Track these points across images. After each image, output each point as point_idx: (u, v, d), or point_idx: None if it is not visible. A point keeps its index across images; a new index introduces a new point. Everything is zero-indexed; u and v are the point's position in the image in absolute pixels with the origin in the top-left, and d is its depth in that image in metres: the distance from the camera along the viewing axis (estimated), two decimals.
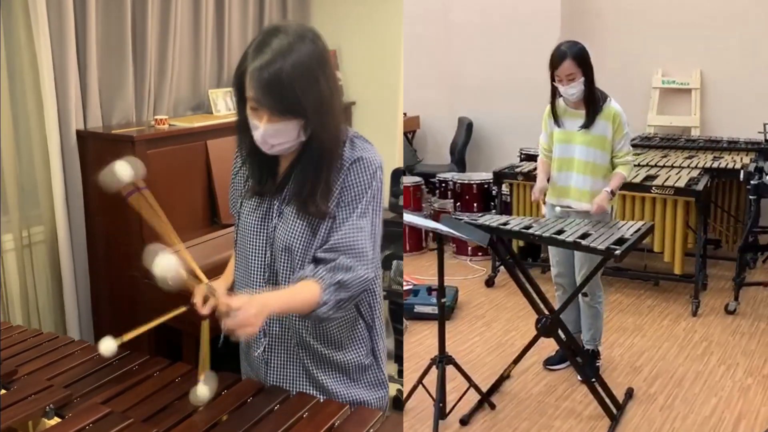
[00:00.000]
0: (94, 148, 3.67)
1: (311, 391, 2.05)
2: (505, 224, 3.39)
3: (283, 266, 2.00)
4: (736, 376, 3.75)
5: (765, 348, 4.07)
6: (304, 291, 1.88)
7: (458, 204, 5.76)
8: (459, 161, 6.63)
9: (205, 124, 3.94)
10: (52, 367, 2.21)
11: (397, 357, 3.82)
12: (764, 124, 5.55)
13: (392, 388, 3.55)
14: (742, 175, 4.78)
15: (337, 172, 1.95)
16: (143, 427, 1.80)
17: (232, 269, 2.22)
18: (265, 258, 2.03)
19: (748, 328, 4.36)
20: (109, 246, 3.73)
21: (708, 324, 4.43)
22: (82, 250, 3.76)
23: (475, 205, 5.67)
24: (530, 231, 3.30)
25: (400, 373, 3.71)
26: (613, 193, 3.53)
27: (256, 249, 2.05)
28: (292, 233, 1.97)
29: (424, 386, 3.30)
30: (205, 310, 2.02)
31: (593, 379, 3.57)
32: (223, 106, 4.29)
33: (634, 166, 5.03)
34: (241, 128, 2.00)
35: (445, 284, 4.81)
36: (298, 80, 1.83)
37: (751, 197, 4.55)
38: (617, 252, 3.02)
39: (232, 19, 4.66)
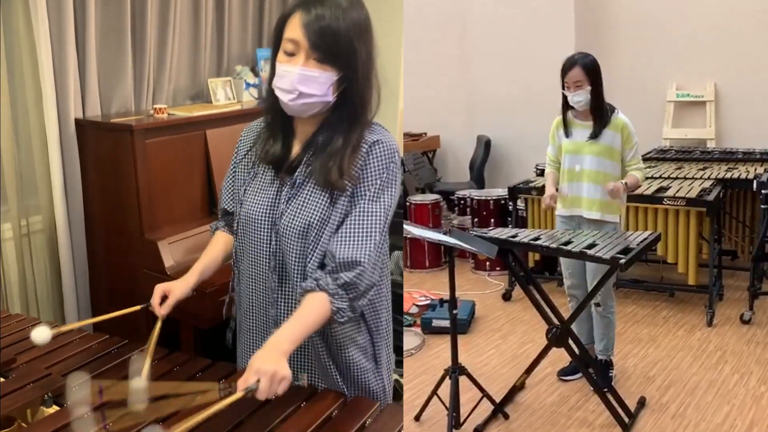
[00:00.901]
0: (93, 137, 3.71)
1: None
2: (514, 236, 3.47)
3: (294, 252, 1.95)
4: (750, 385, 3.78)
5: None
6: (313, 309, 1.85)
7: (476, 220, 5.84)
8: (478, 178, 6.72)
9: (204, 114, 3.96)
10: (50, 356, 2.22)
11: (397, 348, 3.86)
12: None
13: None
14: (755, 185, 4.82)
15: (359, 148, 1.92)
16: (142, 415, 1.78)
17: (198, 270, 2.17)
18: (270, 245, 1.99)
19: (764, 337, 4.38)
20: (108, 234, 3.76)
21: (723, 334, 4.46)
22: (80, 238, 3.79)
23: (492, 220, 5.75)
24: (538, 242, 3.38)
25: (399, 363, 3.74)
26: (627, 186, 3.60)
27: (261, 236, 2.01)
28: (304, 216, 1.92)
29: (438, 397, 3.37)
30: (163, 311, 2.06)
31: (606, 389, 3.64)
32: (222, 95, 4.30)
33: (648, 178, 5.10)
34: (270, 91, 1.95)
35: (463, 299, 4.93)
36: (353, 32, 1.84)
37: (763, 207, 4.59)
38: (622, 261, 3.08)
39: (232, 8, 4.67)
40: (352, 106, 1.92)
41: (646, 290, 5.20)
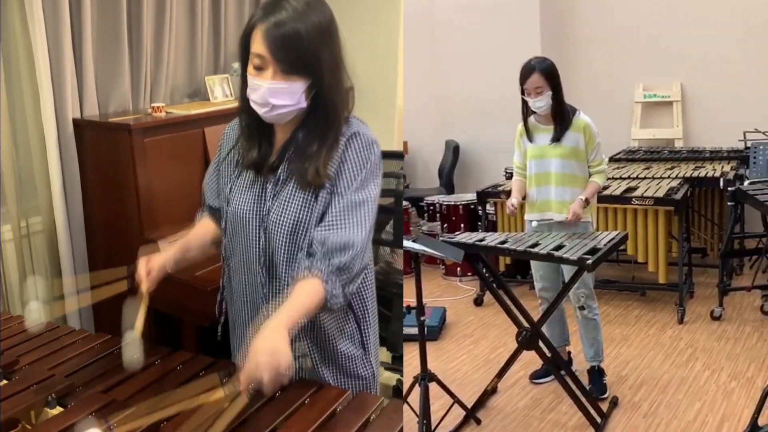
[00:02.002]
0: (91, 137, 3.68)
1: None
2: (481, 241, 3.46)
3: (282, 248, 1.99)
4: (720, 381, 3.79)
5: (749, 351, 4.11)
6: (306, 294, 1.86)
7: (445, 225, 5.83)
8: (447, 184, 6.72)
9: (202, 111, 3.94)
10: (53, 357, 2.23)
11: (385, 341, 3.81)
12: (744, 133, 5.63)
13: (392, 378, 3.61)
14: (722, 183, 4.86)
15: (335, 146, 1.95)
16: (145, 414, 1.79)
17: (180, 245, 2.22)
18: (259, 242, 2.02)
19: (733, 333, 4.40)
20: (108, 235, 3.74)
21: (694, 331, 4.47)
22: (80, 239, 3.77)
23: (462, 225, 5.74)
24: (505, 246, 3.36)
25: (397, 359, 3.75)
26: (587, 201, 3.59)
27: (249, 234, 2.03)
28: (290, 212, 1.96)
29: (408, 404, 3.34)
30: (148, 283, 2.12)
31: (604, 396, 3.67)
32: (220, 92, 4.29)
33: (616, 178, 5.12)
34: (244, 96, 1.99)
35: (434, 305, 4.92)
36: (314, 38, 1.84)
37: (730, 204, 4.61)
38: (589, 261, 3.07)
39: (229, 6, 4.66)
40: (324, 108, 1.94)
41: (618, 290, 5.21)
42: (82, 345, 2.33)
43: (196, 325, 3.43)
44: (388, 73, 4.97)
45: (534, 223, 3.67)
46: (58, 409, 1.88)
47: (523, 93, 3.61)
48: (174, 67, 4.29)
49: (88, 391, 1.98)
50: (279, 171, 2.00)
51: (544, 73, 3.53)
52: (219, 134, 3.80)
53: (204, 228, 2.30)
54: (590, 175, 3.66)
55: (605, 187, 4.60)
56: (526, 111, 3.67)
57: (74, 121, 3.70)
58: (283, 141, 2.03)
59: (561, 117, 3.59)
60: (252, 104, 1.94)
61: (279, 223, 1.98)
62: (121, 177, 3.59)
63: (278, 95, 1.88)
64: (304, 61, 1.86)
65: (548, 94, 3.54)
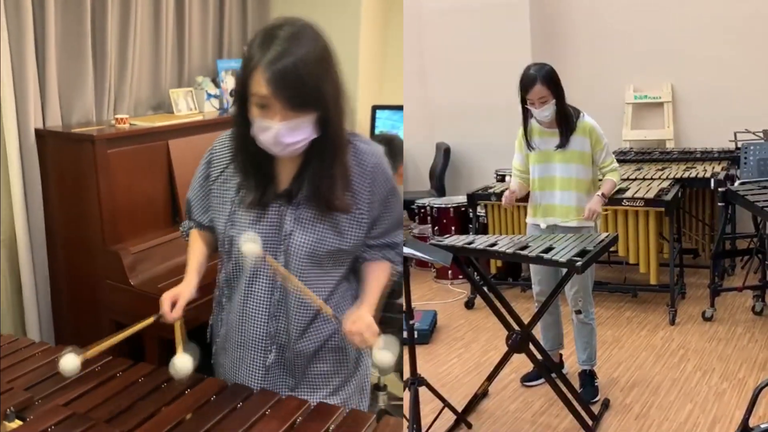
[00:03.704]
0: (54, 148, 3.65)
1: (299, 394, 2.09)
2: (470, 243, 3.43)
3: (303, 274, 2.02)
4: (712, 382, 3.78)
5: (741, 352, 4.10)
6: (382, 277, 2.16)
7: (436, 228, 5.81)
8: (438, 186, 6.70)
9: (166, 124, 3.93)
10: (12, 370, 2.20)
11: None
12: (735, 133, 5.62)
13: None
14: (713, 184, 4.85)
15: (351, 176, 2.02)
16: (106, 427, 1.81)
17: (194, 268, 2.22)
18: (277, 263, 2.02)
19: (725, 333, 4.39)
20: (70, 246, 3.71)
21: (685, 332, 4.46)
22: (41, 250, 3.73)
23: (453, 228, 5.72)
24: (494, 248, 3.33)
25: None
26: (605, 196, 3.56)
27: (261, 258, 2.02)
28: (316, 237, 2.00)
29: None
30: (175, 314, 2.11)
31: (595, 399, 3.64)
32: (184, 105, 4.29)
33: None
34: (239, 133, 1.98)
35: (425, 308, 4.89)
36: (314, 69, 1.83)
37: (720, 204, 4.60)
38: (579, 264, 3.05)
39: (193, 20, 4.65)
40: (330, 138, 1.95)
41: (610, 292, 5.20)
42: (42, 357, 2.31)
43: (158, 338, 3.40)
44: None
45: (543, 225, 3.62)
46: (16, 423, 1.87)
47: (524, 102, 3.51)
48: (138, 80, 4.27)
49: (47, 404, 1.96)
50: (297, 197, 2.01)
51: (546, 81, 3.43)
52: (183, 147, 3.92)
53: (199, 243, 2.29)
54: (603, 176, 3.63)
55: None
56: (527, 116, 3.59)
57: (36, 131, 3.66)
58: (294, 171, 2.03)
59: (566, 122, 3.52)
60: (261, 144, 1.92)
61: (303, 245, 2.01)
62: (83, 188, 3.56)
63: (292, 133, 1.88)
64: (309, 95, 1.85)
65: (553, 102, 3.45)
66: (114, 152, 3.57)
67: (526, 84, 3.47)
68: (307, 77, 1.82)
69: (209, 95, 4.52)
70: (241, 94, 1.91)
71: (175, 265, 3.62)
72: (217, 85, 4.60)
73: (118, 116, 3.83)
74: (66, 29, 3.81)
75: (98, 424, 1.81)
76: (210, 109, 4.50)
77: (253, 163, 2.02)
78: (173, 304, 2.13)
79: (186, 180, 3.85)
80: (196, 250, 2.27)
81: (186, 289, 2.16)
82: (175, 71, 4.56)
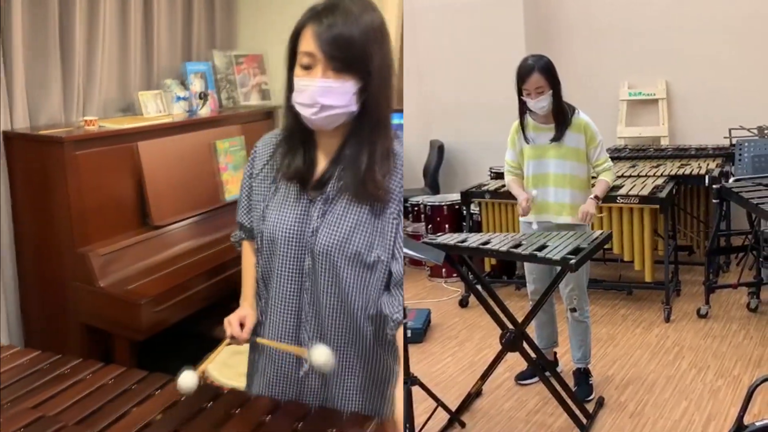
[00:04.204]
0: (22, 150, 3.61)
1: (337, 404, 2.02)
2: (463, 241, 3.41)
3: (331, 269, 1.91)
4: (707, 379, 3.76)
5: (735, 349, 4.09)
6: None
7: (430, 226, 5.79)
8: (432, 184, 6.68)
9: (135, 126, 3.91)
10: None
11: None
12: (729, 130, 5.61)
13: None
14: (707, 181, 4.83)
15: (389, 155, 1.90)
16: (75, 429, 1.79)
17: (252, 288, 2.14)
18: (303, 264, 1.94)
19: (720, 330, 4.38)
20: (38, 248, 3.67)
21: (680, 329, 4.44)
22: (9, 253, 3.68)
23: (446, 226, 5.69)
24: (488, 247, 3.31)
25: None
26: (598, 198, 3.53)
27: (290, 255, 1.94)
28: (342, 230, 1.88)
29: None
30: (245, 335, 2.06)
31: (590, 398, 3.62)
32: (153, 108, 4.26)
33: None
34: (288, 102, 1.90)
35: (419, 307, 4.87)
36: (366, 36, 1.79)
37: (714, 201, 4.59)
38: (572, 261, 3.03)
39: (160, 22, 4.60)
40: (374, 114, 1.87)
41: (605, 289, 5.18)
42: (11, 360, 2.27)
43: (129, 340, 3.40)
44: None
45: (534, 225, 3.57)
46: None
47: (521, 93, 3.49)
48: (107, 82, 4.22)
49: (16, 407, 1.93)
50: (328, 187, 1.92)
51: (544, 72, 3.41)
52: (153, 149, 3.90)
53: (251, 256, 2.18)
54: (597, 175, 3.60)
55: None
56: (523, 109, 3.58)
57: (4, 133, 3.61)
58: (331, 154, 1.94)
59: (561, 116, 3.49)
60: (298, 107, 1.85)
61: (330, 242, 1.89)
62: (52, 190, 3.53)
63: (328, 94, 1.80)
64: (357, 59, 1.80)
65: (549, 93, 3.42)
66: (82, 154, 3.53)
67: (522, 74, 3.44)
68: (357, 41, 1.78)
69: (178, 97, 4.49)
70: (290, 56, 1.87)
71: (145, 267, 3.63)
72: (185, 87, 4.58)
73: (87, 118, 3.78)
74: (33, 30, 3.75)
75: (67, 427, 1.80)
76: (179, 111, 4.48)
77: (292, 142, 1.95)
78: (241, 325, 2.08)
79: (155, 182, 3.91)
80: (248, 267, 2.18)
81: (250, 312, 2.11)
82: (143, 73, 4.52)
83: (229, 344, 2.09)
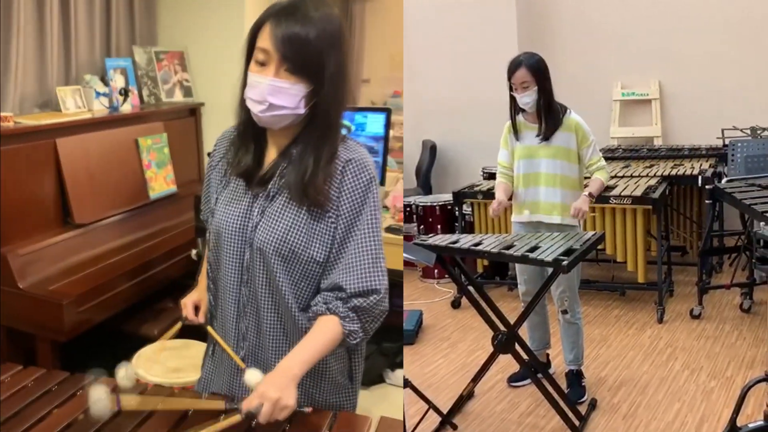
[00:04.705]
0: None
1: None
2: (454, 243, 3.38)
3: (266, 267, 1.90)
4: (700, 380, 3.74)
5: (729, 350, 4.07)
6: (324, 332, 1.84)
7: (422, 227, 5.76)
8: (425, 184, 6.66)
9: (53, 122, 3.80)
10: None
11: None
12: (722, 130, 5.60)
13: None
14: (700, 181, 4.82)
15: (332, 163, 1.88)
16: None
17: (204, 273, 2.14)
18: (243, 259, 1.94)
19: (713, 331, 4.36)
20: None
21: (673, 330, 4.43)
22: None
23: (439, 227, 5.67)
24: (479, 248, 3.29)
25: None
26: (592, 196, 3.51)
27: (233, 249, 1.95)
28: (279, 229, 1.88)
29: None
30: (200, 318, 2.13)
31: (582, 400, 3.61)
32: (72, 104, 4.17)
33: None
34: (240, 99, 1.91)
35: (411, 308, 4.85)
36: (322, 40, 1.79)
37: (707, 201, 4.58)
38: (565, 263, 3.01)
39: (79, 16, 4.45)
40: (322, 120, 1.87)
41: (598, 290, 5.17)
42: None
43: (51, 341, 3.35)
44: (237, 91, 4.88)
45: (526, 218, 3.58)
46: None
47: (510, 88, 3.52)
48: (23, 77, 4.08)
49: None
50: (270, 185, 1.92)
51: (530, 68, 3.44)
52: (72, 146, 3.81)
53: None
54: (590, 175, 3.59)
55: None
56: (515, 108, 3.58)
57: None
58: (276, 154, 1.95)
59: (549, 115, 3.50)
60: (248, 102, 1.85)
61: (268, 239, 1.89)
62: None
63: (278, 94, 1.81)
64: (310, 64, 1.79)
65: (534, 90, 3.44)
66: None
67: (511, 68, 3.49)
68: (312, 45, 1.78)
69: (98, 93, 4.39)
70: (248, 51, 1.86)
71: (66, 267, 3.56)
72: (105, 83, 4.49)
73: (2, 114, 3.67)
74: None
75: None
76: (99, 108, 4.38)
77: (245, 137, 1.96)
78: (196, 308, 2.16)
79: (76, 179, 3.80)
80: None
81: (206, 297, 2.13)
82: (61, 69, 4.37)
83: (183, 325, 2.15)
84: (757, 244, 4.03)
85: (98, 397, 1.79)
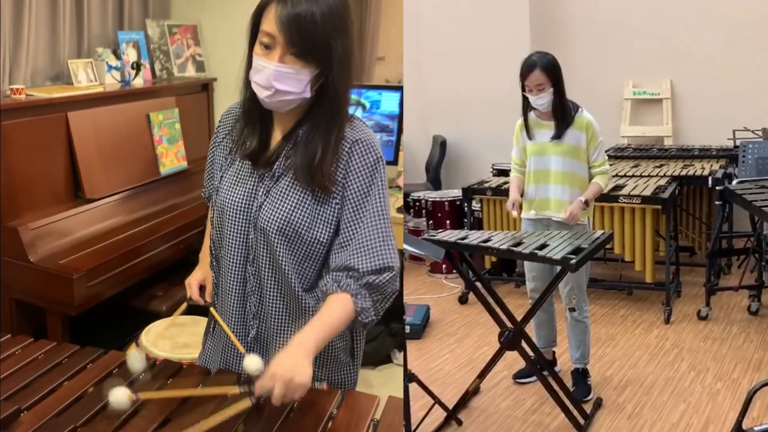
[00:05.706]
0: None
1: None
2: (463, 239, 3.39)
3: (270, 247, 1.89)
4: (706, 382, 3.74)
5: (735, 352, 4.07)
6: (336, 309, 1.80)
7: (431, 222, 5.76)
8: (434, 179, 6.66)
9: (65, 95, 3.78)
10: None
11: None
12: (733, 131, 5.58)
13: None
14: (710, 182, 4.81)
15: (338, 146, 1.86)
16: (5, 405, 1.76)
17: (206, 252, 2.16)
18: (247, 238, 1.93)
19: (720, 333, 4.35)
20: None
21: (680, 331, 4.42)
22: None
23: (448, 222, 5.67)
24: (488, 244, 3.29)
25: None
26: (587, 203, 3.51)
27: (238, 228, 1.94)
28: (284, 209, 1.87)
29: None
30: (207, 298, 2.15)
31: (587, 398, 3.61)
32: (84, 77, 4.14)
33: None
34: (247, 78, 1.88)
35: (418, 303, 4.85)
36: (329, 22, 1.75)
37: (717, 203, 4.56)
38: (573, 261, 3.01)
39: None
40: (329, 102, 1.85)
41: (605, 289, 5.16)
42: None
43: (61, 314, 3.36)
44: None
45: (535, 221, 3.58)
46: None
47: (523, 89, 3.51)
48: (35, 49, 4.03)
49: None
50: (275, 166, 1.91)
51: (545, 69, 3.42)
52: (84, 119, 3.78)
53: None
54: (592, 176, 3.58)
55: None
56: (526, 106, 3.57)
57: None
58: (282, 134, 1.93)
59: (563, 114, 3.49)
60: (254, 86, 1.83)
61: (272, 219, 1.88)
62: None
63: (284, 80, 1.78)
64: (316, 47, 1.76)
65: (550, 91, 3.44)
66: (9, 124, 3.41)
67: (524, 70, 3.46)
68: (319, 29, 1.74)
69: (110, 67, 4.35)
70: (252, 32, 1.83)
71: (77, 241, 3.56)
72: (118, 57, 4.44)
73: (14, 86, 3.65)
74: None
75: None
76: (111, 81, 4.34)
77: (251, 117, 1.94)
78: (201, 288, 2.17)
79: (87, 154, 3.78)
80: (210, 228, 2.18)
81: (210, 275, 2.14)
82: (74, 41, 4.33)
83: (189, 305, 2.17)
84: (767, 246, 4.02)
85: (119, 402, 1.74)
